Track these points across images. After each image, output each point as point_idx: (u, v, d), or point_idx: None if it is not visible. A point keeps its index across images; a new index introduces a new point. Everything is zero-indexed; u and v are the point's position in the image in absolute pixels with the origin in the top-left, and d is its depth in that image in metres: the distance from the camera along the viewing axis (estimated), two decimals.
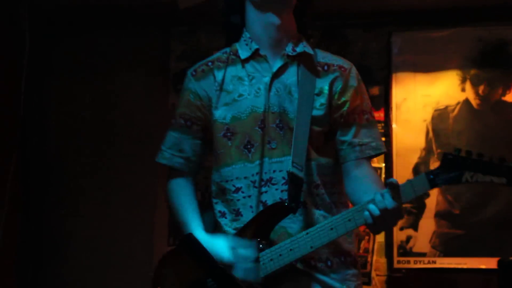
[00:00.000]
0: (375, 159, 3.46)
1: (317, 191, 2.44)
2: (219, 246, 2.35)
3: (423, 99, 4.15)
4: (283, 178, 2.42)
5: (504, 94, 4.04)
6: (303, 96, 2.45)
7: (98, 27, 4.48)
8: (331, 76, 2.47)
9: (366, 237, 4.18)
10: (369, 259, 4.17)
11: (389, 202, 2.16)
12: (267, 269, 2.31)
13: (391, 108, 4.19)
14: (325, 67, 2.51)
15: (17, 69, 4.32)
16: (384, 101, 4.19)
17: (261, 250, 2.36)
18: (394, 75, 4.18)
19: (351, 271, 2.44)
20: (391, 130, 4.17)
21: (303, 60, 2.47)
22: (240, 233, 2.41)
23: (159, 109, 4.46)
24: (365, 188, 2.40)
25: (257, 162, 2.44)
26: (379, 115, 4.17)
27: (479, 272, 3.96)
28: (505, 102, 4.04)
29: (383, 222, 2.19)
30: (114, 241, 4.38)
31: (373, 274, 4.18)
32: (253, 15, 2.51)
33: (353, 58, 3.61)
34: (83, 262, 4.37)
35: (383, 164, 4.13)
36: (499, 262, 3.57)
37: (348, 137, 2.49)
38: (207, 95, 2.51)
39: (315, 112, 2.43)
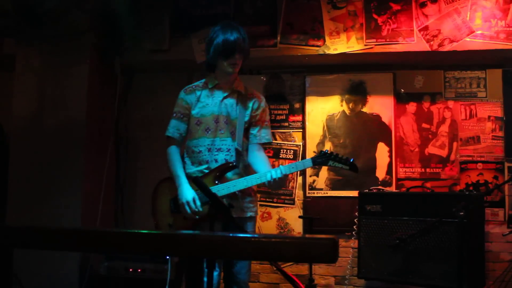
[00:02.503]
0: (296, 139, 4.85)
1: (243, 157, 3.20)
2: (190, 192, 3.02)
3: (321, 109, 4.97)
4: (227, 149, 3.12)
5: (362, 108, 4.91)
6: (240, 109, 3.18)
7: (158, 71, 5.15)
8: (253, 100, 3.26)
9: (292, 180, 4.91)
10: (294, 191, 4.92)
11: (280, 172, 2.97)
12: (221, 192, 2.99)
13: (305, 114, 4.99)
14: (250, 95, 3.27)
15: (113, 91, 5.07)
16: (302, 110, 5.01)
17: (217, 184, 3.03)
18: (307, 97, 5.01)
19: (250, 198, 3.20)
20: (305, 125, 4.98)
21: (241, 91, 3.24)
22: (206, 174, 3.09)
23: None
24: (263, 162, 3.21)
25: (211, 139, 3.13)
26: (299, 118, 5.00)
27: (349, 198, 4.75)
28: (363, 112, 4.90)
29: (275, 183, 3.00)
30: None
31: (296, 199, 4.93)
32: (219, 69, 3.19)
33: (286, 90, 4.92)
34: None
35: (301, 142, 4.97)
36: (359, 193, 4.44)
37: (254, 131, 3.26)
38: (191, 102, 3.19)
39: (246, 118, 3.20)
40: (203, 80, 3.29)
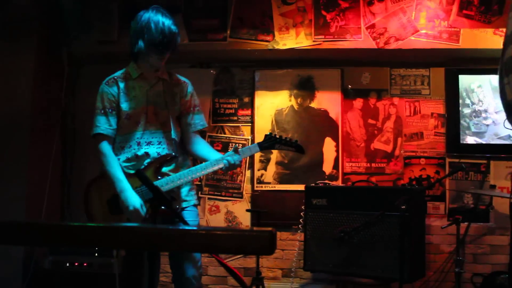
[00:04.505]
0: (245, 133, 4.85)
1: (178, 147, 3.09)
2: (137, 200, 2.85)
3: (270, 104, 5.02)
4: (158, 142, 3.00)
5: (310, 103, 4.97)
6: (169, 98, 3.05)
7: (106, 63, 4.66)
8: (179, 87, 3.11)
9: (240, 174, 4.98)
10: (242, 184, 4.99)
11: (237, 158, 2.91)
12: (165, 188, 2.88)
13: (254, 108, 5.03)
14: (176, 81, 3.13)
15: (60, 83, 4.97)
16: (251, 105, 5.04)
17: (159, 179, 2.90)
18: (256, 92, 5.04)
19: (190, 186, 3.10)
20: (254, 119, 5.01)
21: (166, 79, 3.08)
22: (145, 168, 2.93)
23: None
24: (207, 148, 3.15)
25: (141, 132, 2.99)
26: (248, 112, 5.04)
27: (296, 191, 4.82)
28: (311, 107, 4.97)
29: (232, 167, 2.94)
30: None
31: (244, 193, 4.99)
32: (144, 61, 2.99)
33: (235, 84, 4.93)
34: None
35: (250, 136, 5.00)
36: (305, 187, 4.51)
37: (188, 120, 3.15)
38: (116, 94, 3.00)
39: (176, 106, 3.08)
40: (123, 70, 3.10)
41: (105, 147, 2.99)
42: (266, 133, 3.01)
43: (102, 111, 3.01)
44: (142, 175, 2.22)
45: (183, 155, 3.15)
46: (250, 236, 1.21)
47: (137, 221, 2.78)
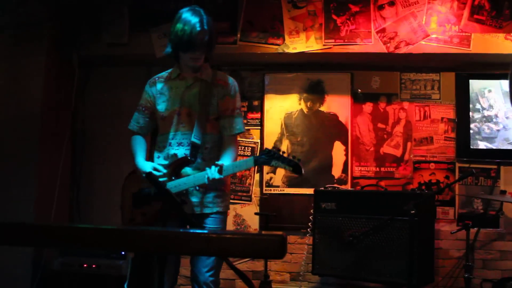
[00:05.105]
0: (254, 137, 4.85)
1: (206, 151, 2.99)
2: (148, 164, 2.96)
3: (279, 108, 5.03)
4: (188, 143, 2.94)
5: (320, 107, 4.98)
6: (203, 98, 2.96)
7: (117, 65, 5.09)
8: (218, 88, 3.00)
9: (249, 177, 4.98)
10: (251, 188, 4.98)
11: (212, 176, 2.77)
12: (176, 189, 2.85)
13: (264, 111, 5.04)
14: (219, 82, 3.02)
15: (70, 85, 5.00)
16: (260, 108, 5.05)
17: (173, 180, 2.88)
18: (265, 95, 5.06)
19: (216, 192, 2.99)
20: (263, 123, 5.03)
21: (206, 79, 3.00)
22: (166, 168, 2.93)
23: None
24: (226, 156, 2.97)
25: (173, 133, 2.99)
26: (258, 115, 5.04)
27: (305, 195, 4.83)
28: (321, 111, 4.98)
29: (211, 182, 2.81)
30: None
31: (253, 196, 4.99)
32: (182, 60, 2.97)
33: (244, 87, 4.90)
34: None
35: (259, 140, 5.00)
36: (314, 191, 4.47)
37: (224, 123, 3.03)
38: (153, 95, 3.08)
39: (210, 107, 2.97)
40: (170, 70, 3.12)
41: (132, 138, 3.18)
42: (266, 148, 2.81)
43: (138, 108, 3.17)
44: (152, 177, 2.21)
45: (215, 159, 2.99)
46: (261, 240, 1.20)
47: (156, 181, 2.54)
